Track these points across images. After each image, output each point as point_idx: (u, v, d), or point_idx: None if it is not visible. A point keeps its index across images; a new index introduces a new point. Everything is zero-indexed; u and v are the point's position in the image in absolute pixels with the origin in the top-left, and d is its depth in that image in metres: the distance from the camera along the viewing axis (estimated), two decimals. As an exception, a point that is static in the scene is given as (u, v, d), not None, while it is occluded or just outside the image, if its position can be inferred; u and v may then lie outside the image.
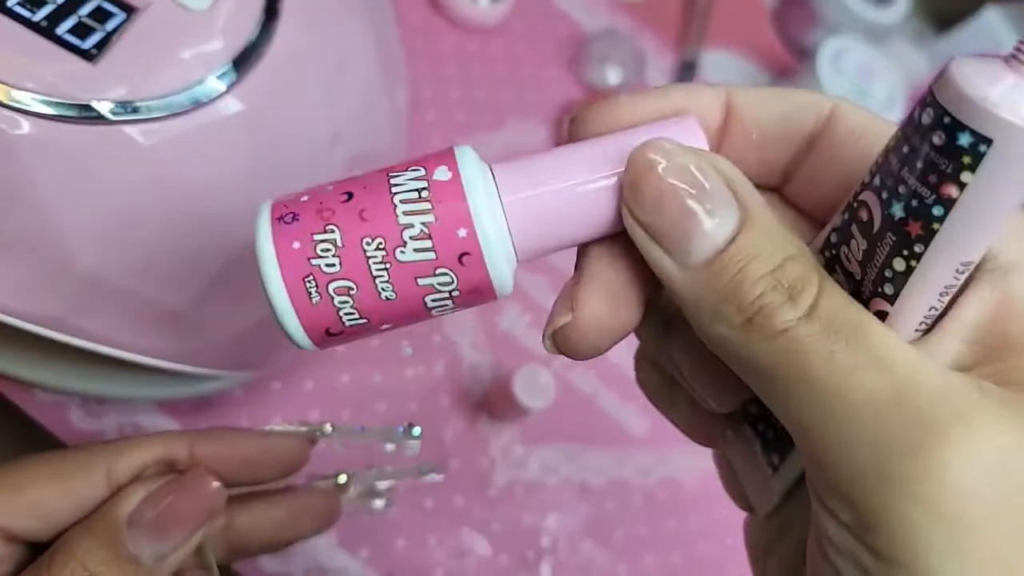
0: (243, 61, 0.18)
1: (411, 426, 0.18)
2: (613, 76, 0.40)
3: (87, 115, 0.17)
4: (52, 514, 0.13)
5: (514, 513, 0.32)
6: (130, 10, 0.17)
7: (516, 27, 0.41)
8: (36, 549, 0.13)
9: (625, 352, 0.40)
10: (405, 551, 0.30)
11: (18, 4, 0.17)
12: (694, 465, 0.36)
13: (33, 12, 0.17)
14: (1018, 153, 0.08)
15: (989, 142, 0.08)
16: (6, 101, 0.16)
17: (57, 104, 0.16)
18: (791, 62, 0.49)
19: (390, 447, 0.18)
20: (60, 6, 0.17)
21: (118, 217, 0.18)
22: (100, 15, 0.17)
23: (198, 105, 0.18)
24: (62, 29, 0.17)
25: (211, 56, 0.18)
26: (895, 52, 0.49)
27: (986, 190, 0.08)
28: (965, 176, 0.08)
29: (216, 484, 0.13)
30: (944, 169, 0.08)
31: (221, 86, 0.18)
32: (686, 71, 0.44)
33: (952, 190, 0.08)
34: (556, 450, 0.34)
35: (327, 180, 0.22)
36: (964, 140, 0.08)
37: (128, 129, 0.17)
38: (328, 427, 0.17)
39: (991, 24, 0.51)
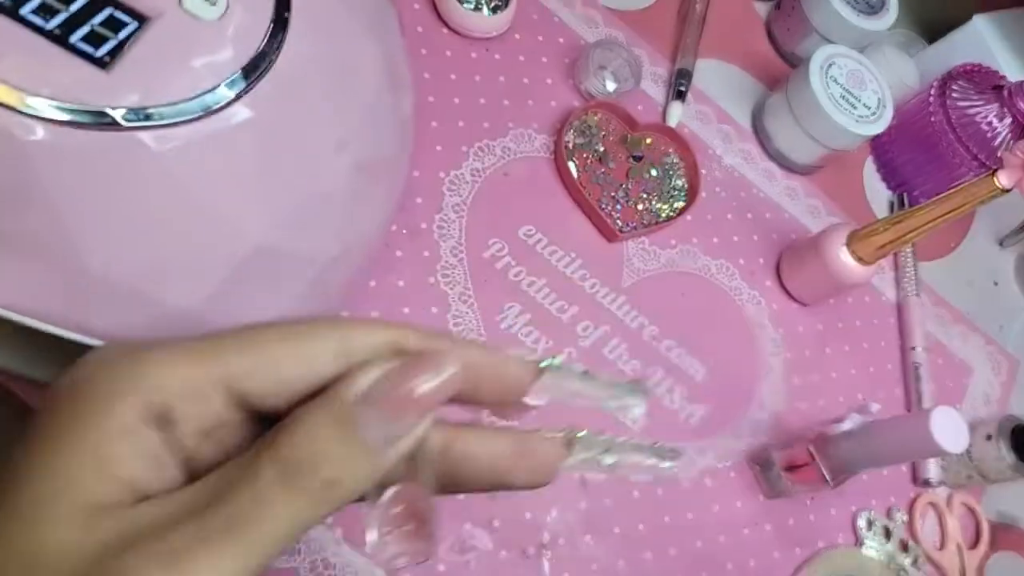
0: (252, 69, 0.19)
1: (638, 382, 0.15)
2: (610, 84, 0.41)
3: (100, 121, 0.17)
4: (286, 379, 0.13)
5: (515, 509, 0.32)
6: (142, 19, 0.18)
7: (517, 36, 0.42)
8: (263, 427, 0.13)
9: (622, 350, 0.40)
10: (407, 550, 0.30)
11: (32, 12, 0.17)
12: (690, 462, 0.37)
13: (47, 20, 0.17)
14: None
15: None
16: (20, 107, 0.16)
17: (71, 110, 0.17)
18: (783, 70, 0.50)
19: (612, 404, 0.15)
20: (73, 14, 0.17)
21: (129, 221, 0.18)
22: (113, 24, 0.18)
23: (208, 112, 0.18)
24: (75, 37, 0.17)
25: (221, 65, 0.18)
26: (885, 60, 0.50)
27: None
28: None
29: (454, 368, 0.12)
30: None
31: (231, 94, 0.18)
32: (681, 79, 0.45)
33: None
34: (555, 450, 0.34)
35: (334, 186, 0.23)
36: None
37: (140, 135, 0.17)
38: (558, 359, 0.14)
39: (980, 32, 0.52)
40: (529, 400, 0.14)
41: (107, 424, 0.12)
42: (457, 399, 0.13)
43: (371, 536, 0.13)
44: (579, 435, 0.15)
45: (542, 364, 0.14)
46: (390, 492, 0.13)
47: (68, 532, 0.11)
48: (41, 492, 0.11)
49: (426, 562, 0.13)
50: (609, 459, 0.15)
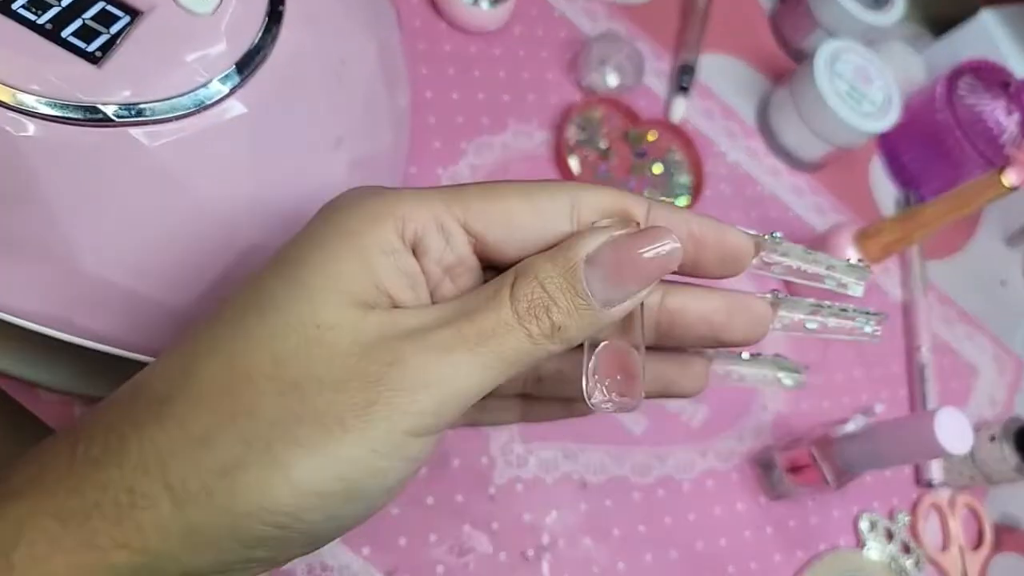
0: (246, 64, 0.18)
1: (859, 263, 0.15)
2: (612, 79, 0.41)
3: (92, 117, 0.17)
4: (519, 229, 0.14)
5: (514, 511, 0.32)
6: (134, 13, 0.18)
7: (516, 30, 0.41)
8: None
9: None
10: (406, 548, 0.30)
11: (23, 7, 0.17)
12: (692, 464, 0.37)
13: (38, 15, 0.17)
14: None
15: None
16: (11, 103, 0.16)
17: (62, 106, 0.16)
18: (788, 65, 0.49)
19: (831, 283, 0.15)
20: (64, 9, 0.17)
21: (122, 218, 0.18)
22: (104, 18, 0.17)
23: (202, 108, 0.18)
24: (67, 32, 0.17)
25: (215, 59, 0.18)
26: (892, 55, 0.49)
27: None
28: None
29: (677, 244, 0.13)
30: None
31: (224, 89, 0.18)
32: (684, 74, 0.44)
33: None
34: (556, 448, 0.34)
35: (330, 182, 0.22)
36: None
37: (133, 131, 0.17)
38: (778, 235, 0.15)
39: (987, 26, 0.52)
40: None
41: (371, 240, 0.13)
42: (679, 269, 0.14)
43: (585, 382, 0.14)
44: (784, 298, 0.16)
45: (766, 238, 0.15)
46: (601, 346, 0.14)
47: (344, 314, 0.12)
48: (315, 282, 0.13)
49: (633, 411, 0.14)
50: (812, 324, 0.16)
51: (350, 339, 0.12)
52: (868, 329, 0.16)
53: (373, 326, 0.12)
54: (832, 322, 0.16)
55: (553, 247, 0.14)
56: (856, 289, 0.16)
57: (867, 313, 0.16)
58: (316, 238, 0.13)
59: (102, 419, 0.12)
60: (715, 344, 0.16)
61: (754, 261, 0.15)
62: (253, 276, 0.13)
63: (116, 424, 0.12)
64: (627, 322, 0.14)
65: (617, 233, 0.13)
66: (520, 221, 0.14)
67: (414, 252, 0.13)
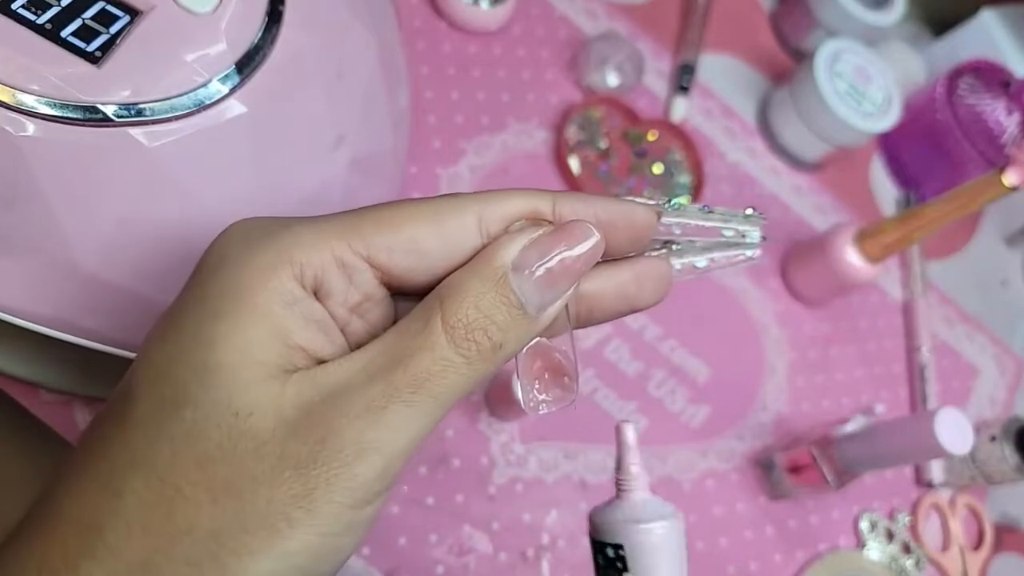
0: (246, 64, 0.18)
1: (754, 210, 0.16)
2: (612, 79, 0.41)
3: (91, 117, 0.17)
4: (427, 254, 0.13)
5: (514, 511, 0.32)
6: (134, 13, 0.18)
7: (516, 30, 0.41)
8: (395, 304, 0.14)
9: (624, 352, 0.40)
10: (406, 549, 0.30)
11: (23, 7, 0.17)
12: (692, 464, 0.37)
13: (38, 15, 0.17)
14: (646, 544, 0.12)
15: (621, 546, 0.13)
16: (11, 103, 0.16)
17: (62, 106, 0.16)
18: (789, 65, 0.49)
19: (729, 233, 0.16)
20: (64, 9, 0.17)
21: (122, 218, 0.18)
22: (104, 18, 0.17)
23: (201, 107, 0.18)
24: (67, 32, 0.17)
25: (214, 59, 0.18)
26: (892, 54, 0.49)
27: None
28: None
29: (599, 236, 0.13)
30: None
31: (224, 89, 0.18)
32: (684, 74, 0.44)
33: None
34: (556, 448, 0.34)
35: (330, 182, 0.22)
36: (610, 551, 0.13)
37: (132, 131, 0.17)
38: (682, 200, 0.16)
39: (988, 26, 0.52)
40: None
41: (270, 296, 0.12)
42: None
43: (516, 387, 0.14)
44: (675, 247, 0.16)
45: (665, 205, 0.15)
46: (525, 350, 0.14)
47: (262, 392, 0.12)
48: (224, 360, 0.12)
49: (572, 404, 0.14)
50: (701, 262, 0.16)
51: (274, 420, 0.11)
52: (749, 253, 0.16)
53: (294, 397, 0.12)
54: (718, 255, 0.16)
55: (468, 262, 0.13)
56: (755, 236, 0.16)
57: (746, 216, 0.16)
58: (212, 304, 0.12)
59: (35, 550, 0.12)
60: (629, 312, 0.16)
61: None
62: (153, 362, 0.12)
63: (48, 559, 0.11)
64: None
65: (536, 234, 0.13)
66: (428, 247, 0.13)
67: (316, 295, 0.13)
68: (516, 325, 0.13)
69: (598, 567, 0.13)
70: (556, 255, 0.13)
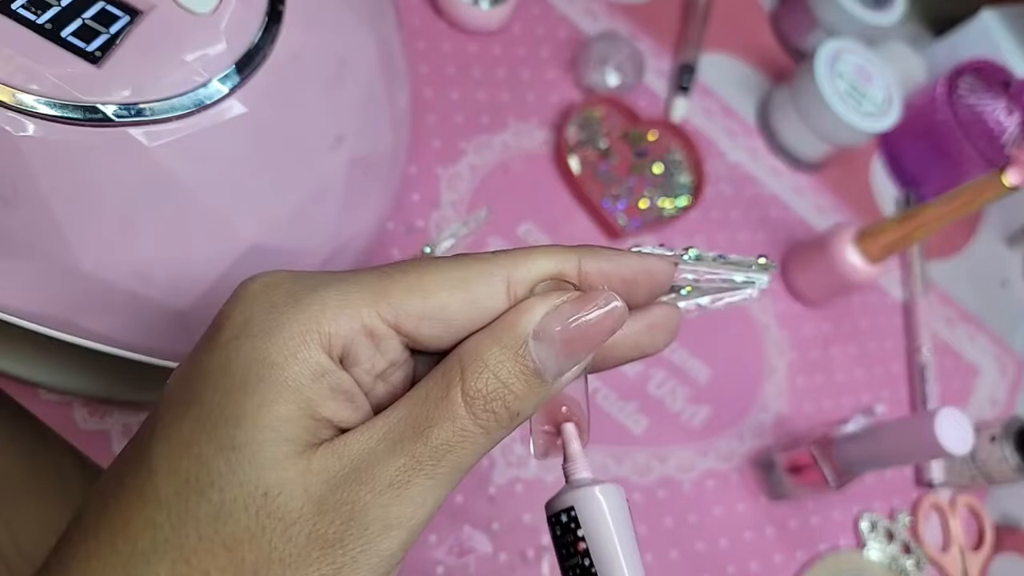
0: (246, 64, 0.18)
1: (767, 259, 0.17)
2: (612, 78, 0.41)
3: (91, 117, 0.17)
4: (454, 321, 0.13)
5: (514, 511, 0.32)
6: (134, 13, 0.18)
7: (516, 30, 0.41)
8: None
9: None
10: (405, 550, 0.30)
11: (23, 7, 0.17)
12: (692, 465, 0.37)
13: (38, 15, 0.17)
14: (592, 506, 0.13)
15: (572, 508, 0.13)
16: (11, 103, 0.16)
17: (62, 106, 0.16)
18: (789, 64, 0.49)
19: (739, 278, 0.17)
20: (64, 9, 0.17)
21: (122, 218, 0.18)
22: (104, 18, 0.17)
23: (201, 107, 0.18)
24: (66, 32, 0.17)
25: (214, 59, 0.18)
26: (892, 54, 0.49)
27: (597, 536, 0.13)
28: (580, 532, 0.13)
29: (622, 305, 0.13)
30: (571, 539, 0.14)
31: (224, 88, 0.18)
32: (685, 74, 0.44)
33: (581, 545, 0.14)
34: (555, 450, 0.34)
35: (330, 182, 0.22)
36: (564, 517, 0.13)
37: (132, 131, 0.17)
38: (693, 251, 0.16)
39: (987, 26, 0.52)
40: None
41: (300, 369, 0.12)
42: None
43: (532, 441, 0.14)
44: (683, 291, 0.17)
45: (683, 257, 0.16)
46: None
47: (289, 470, 0.12)
48: (251, 438, 0.11)
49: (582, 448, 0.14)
50: (705, 301, 0.17)
51: (302, 499, 0.11)
52: (749, 291, 0.17)
53: (321, 473, 0.12)
54: (723, 295, 0.17)
55: (489, 324, 0.13)
56: (764, 281, 0.17)
57: (760, 265, 0.17)
58: (238, 375, 0.12)
59: None
60: (639, 358, 0.16)
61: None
62: (174, 435, 0.12)
63: None
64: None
65: (558, 302, 0.13)
66: (455, 314, 0.13)
67: (342, 363, 0.12)
68: (533, 393, 0.13)
69: (555, 539, 0.14)
70: (576, 323, 0.13)
